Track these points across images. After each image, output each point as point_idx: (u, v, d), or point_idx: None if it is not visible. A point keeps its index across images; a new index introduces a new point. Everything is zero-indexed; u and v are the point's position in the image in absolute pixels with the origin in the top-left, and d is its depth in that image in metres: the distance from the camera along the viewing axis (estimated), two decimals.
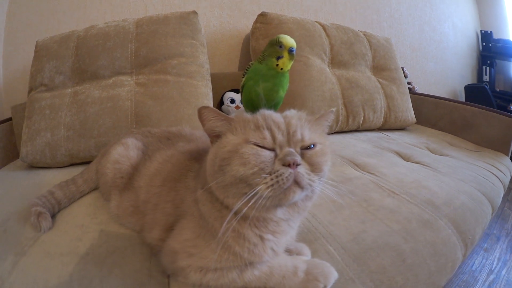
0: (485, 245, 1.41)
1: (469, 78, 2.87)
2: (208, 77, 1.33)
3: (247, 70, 1.04)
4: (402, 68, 1.91)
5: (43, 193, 0.84)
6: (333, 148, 1.29)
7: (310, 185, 0.48)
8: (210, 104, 1.29)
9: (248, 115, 0.54)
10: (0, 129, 1.31)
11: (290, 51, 0.95)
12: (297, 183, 0.47)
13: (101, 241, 0.72)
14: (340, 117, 1.50)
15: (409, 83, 2.11)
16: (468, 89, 2.72)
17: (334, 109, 0.60)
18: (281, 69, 0.96)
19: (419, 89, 2.14)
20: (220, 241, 0.53)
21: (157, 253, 0.64)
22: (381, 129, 1.67)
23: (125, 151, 0.81)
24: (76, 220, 0.80)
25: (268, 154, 0.47)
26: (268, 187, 0.45)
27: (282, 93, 1.01)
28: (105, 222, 0.79)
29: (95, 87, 1.21)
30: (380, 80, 1.68)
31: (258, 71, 0.98)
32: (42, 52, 1.26)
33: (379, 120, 1.60)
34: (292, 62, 0.97)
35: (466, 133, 1.60)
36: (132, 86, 1.22)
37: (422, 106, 1.84)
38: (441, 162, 1.18)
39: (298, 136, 0.50)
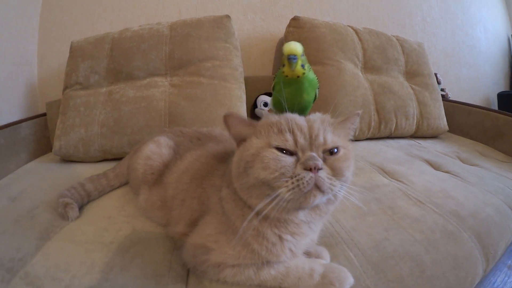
0: (509, 262, 1.34)
1: (502, 85, 2.76)
2: (242, 80, 1.34)
3: (276, 73, 1.03)
4: (436, 74, 1.86)
5: (74, 184, 0.87)
6: (363, 155, 1.28)
7: (331, 189, 0.48)
8: (243, 107, 1.30)
9: (272, 119, 0.54)
10: (34, 123, 1.36)
11: (289, 59, 0.90)
12: (318, 187, 0.47)
13: (127, 232, 0.74)
14: (372, 123, 1.47)
15: (442, 89, 2.05)
16: (501, 97, 2.63)
17: (360, 112, 0.60)
18: (286, 76, 0.93)
19: (452, 96, 2.08)
20: (240, 238, 0.54)
21: (179, 247, 0.66)
22: (413, 136, 1.63)
23: (157, 148, 0.83)
24: (104, 211, 0.83)
25: (289, 159, 0.48)
26: (289, 190, 0.46)
27: (307, 97, 0.98)
28: (132, 215, 0.81)
29: (129, 87, 1.24)
30: (413, 86, 1.63)
31: (281, 75, 0.96)
32: (77, 52, 1.31)
33: (411, 127, 1.56)
34: (298, 68, 0.91)
35: (498, 143, 1.54)
36: (166, 87, 1.25)
37: (454, 113, 1.78)
38: (470, 172, 1.14)
39: (321, 139, 0.50)
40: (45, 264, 0.63)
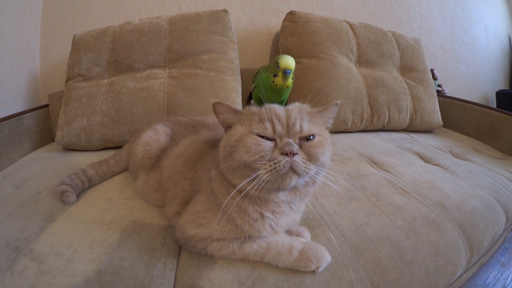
0: (502, 259, 1.36)
1: (501, 83, 2.75)
2: (238, 72, 1.38)
3: (255, 76, 1.17)
4: (432, 70, 1.87)
5: (75, 170, 0.92)
6: (354, 146, 1.31)
7: (307, 173, 0.54)
8: (239, 98, 1.34)
9: (255, 109, 0.60)
10: (37, 114, 1.40)
11: (284, 72, 1.05)
12: (293, 170, 0.53)
13: (125, 212, 0.80)
14: (365, 116, 1.49)
15: (439, 85, 2.06)
16: (500, 95, 2.63)
17: (338, 102, 0.65)
18: (276, 85, 1.09)
19: (449, 92, 2.09)
20: (225, 212, 0.60)
21: (173, 225, 0.71)
22: (406, 130, 1.65)
23: (155, 135, 0.89)
24: (105, 195, 0.88)
25: (268, 144, 0.54)
26: (267, 172, 0.53)
27: (285, 95, 1.15)
28: (131, 197, 0.87)
29: (130, 79, 1.28)
30: (407, 80, 1.65)
31: (263, 81, 1.11)
32: (79, 45, 1.34)
33: (404, 121, 1.59)
34: (289, 80, 1.09)
35: (493, 140, 1.55)
36: (165, 79, 1.29)
37: (450, 109, 1.79)
38: (461, 166, 1.14)
39: (297, 127, 0.56)
40: (49, 241, 0.67)
